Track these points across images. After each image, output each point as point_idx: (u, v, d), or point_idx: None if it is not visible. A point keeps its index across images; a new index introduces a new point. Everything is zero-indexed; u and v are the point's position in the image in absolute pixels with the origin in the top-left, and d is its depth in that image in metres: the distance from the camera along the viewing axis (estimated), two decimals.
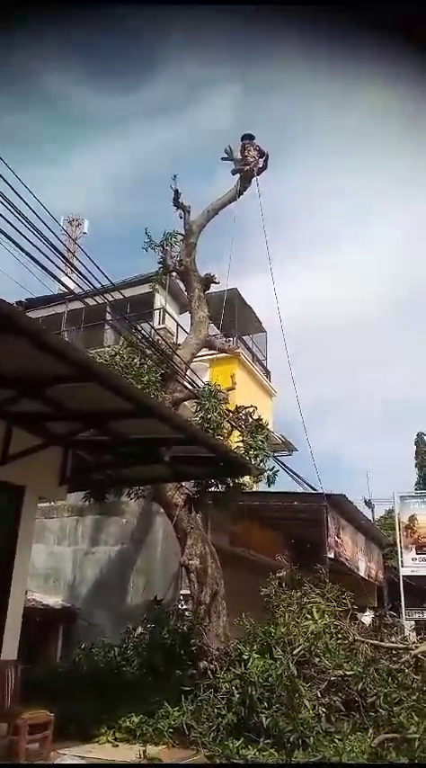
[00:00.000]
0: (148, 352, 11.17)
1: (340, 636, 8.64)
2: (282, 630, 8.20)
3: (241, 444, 9.85)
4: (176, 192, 13.04)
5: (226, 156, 14.06)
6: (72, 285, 12.49)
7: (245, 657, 7.78)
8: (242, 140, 14.06)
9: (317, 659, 7.81)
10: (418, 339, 72.47)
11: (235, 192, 13.78)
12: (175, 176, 13.08)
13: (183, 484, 10.15)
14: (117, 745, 7.19)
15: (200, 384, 11.62)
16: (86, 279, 9.34)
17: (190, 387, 11.16)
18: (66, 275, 10.09)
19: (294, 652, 7.64)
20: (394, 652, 8.85)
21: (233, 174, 14.01)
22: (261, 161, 13.98)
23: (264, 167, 14.09)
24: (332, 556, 12.36)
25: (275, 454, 14.04)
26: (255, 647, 8.06)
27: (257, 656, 7.76)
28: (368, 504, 28.03)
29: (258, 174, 14.01)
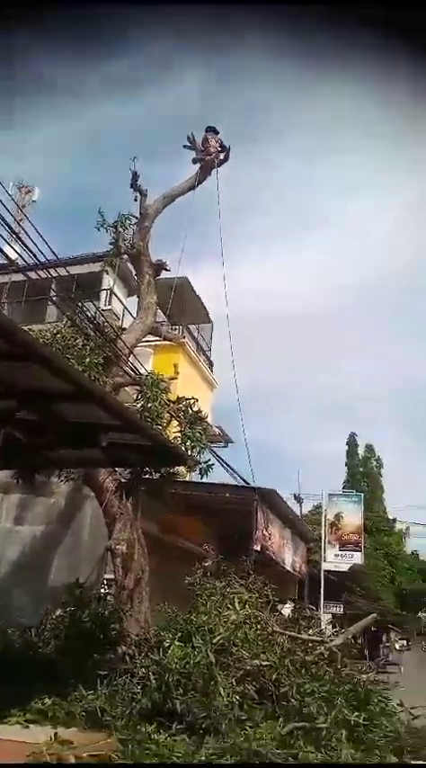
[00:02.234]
0: (92, 333, 11.01)
1: (259, 626, 8.89)
2: (203, 619, 8.35)
3: (179, 435, 9.90)
4: (134, 174, 12.84)
5: (188, 144, 13.97)
6: (14, 256, 12.11)
7: (166, 645, 7.86)
8: (206, 131, 14.01)
9: (235, 648, 8.00)
10: (365, 335, 74.48)
11: (194, 181, 13.73)
12: (135, 158, 12.90)
13: (117, 469, 10.10)
14: (27, 727, 7.11)
15: (143, 370, 11.57)
16: (31, 251, 9.08)
17: (132, 372, 11.09)
18: (9, 245, 9.76)
19: (213, 641, 7.80)
20: (310, 644, 9.20)
21: (193, 163, 13.94)
22: (222, 154, 13.98)
23: (225, 159, 14.10)
24: (258, 548, 12.66)
25: (212, 445, 14.19)
26: (176, 635, 8.16)
27: (178, 643, 7.85)
28: (298, 499, 28.83)
29: (219, 166, 14.01)
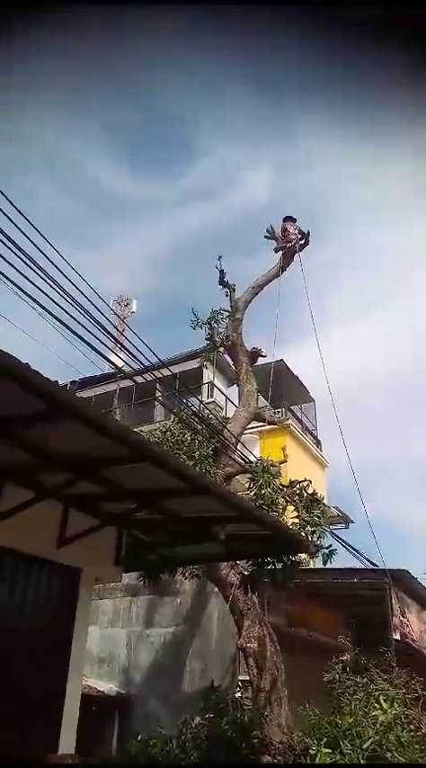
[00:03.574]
0: (199, 426, 11.27)
1: (412, 727, 8.04)
2: (349, 721, 7.69)
3: (296, 520, 9.64)
4: (221, 272, 13.53)
5: (268, 235, 14.58)
6: (121, 364, 12.88)
7: (312, 752, 7.28)
8: (283, 221, 14.58)
9: (389, 753, 7.26)
10: None
11: (278, 269, 14.17)
12: (220, 257, 13.63)
13: (238, 562, 9.93)
14: None
15: (252, 457, 11.57)
16: (135, 357, 9.65)
17: (241, 461, 11.11)
18: (116, 354, 10.43)
19: (363, 746, 7.13)
20: None
21: (275, 252, 14.45)
22: (302, 240, 14.40)
23: (306, 243, 14.50)
24: (398, 637, 11.65)
25: (332, 527, 13.63)
26: (322, 740, 7.56)
27: (325, 750, 7.25)
28: None
29: (300, 251, 14.41)
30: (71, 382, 17.44)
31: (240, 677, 11.00)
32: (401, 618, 12.31)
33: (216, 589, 11.15)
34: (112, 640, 13.61)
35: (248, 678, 9.85)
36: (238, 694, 10.36)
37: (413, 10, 2.60)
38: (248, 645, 9.31)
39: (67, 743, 6.49)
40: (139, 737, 10.34)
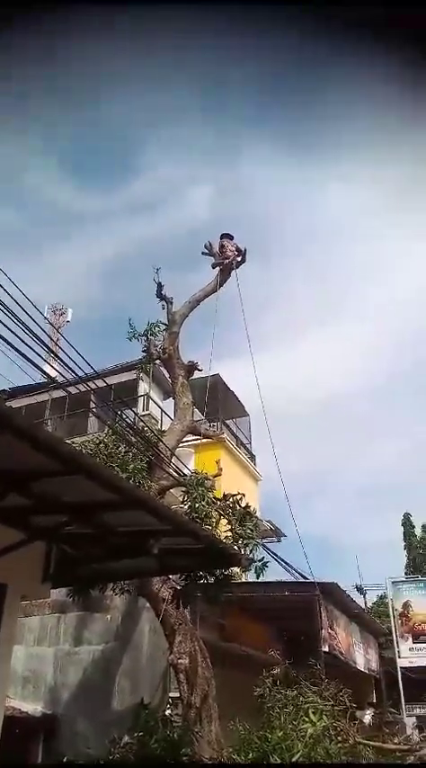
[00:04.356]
0: (133, 439, 11.14)
1: (340, 738, 8.17)
2: (279, 735, 7.74)
3: (230, 533, 9.66)
4: (159, 284, 13.55)
5: (206, 251, 14.73)
6: (54, 374, 12.57)
7: None
8: (221, 238, 14.79)
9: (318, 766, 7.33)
10: (399, 416, 73.41)
11: (215, 284, 14.33)
12: (158, 270, 13.64)
13: (170, 577, 9.83)
14: None
15: (186, 471, 11.53)
16: (69, 367, 9.45)
17: (175, 474, 11.06)
18: (49, 364, 10.18)
19: (293, 759, 7.18)
20: (397, 753, 8.38)
21: (213, 268, 14.61)
22: (240, 257, 14.66)
23: (243, 261, 14.76)
24: (326, 649, 11.87)
25: (264, 541, 13.75)
26: (251, 755, 7.55)
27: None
28: (360, 590, 27.16)
29: (236, 268, 14.64)
30: (0, 391, 16.85)
31: (171, 694, 10.87)
32: (329, 630, 12.55)
33: (147, 605, 10.99)
34: (39, 659, 13.13)
35: (179, 695, 9.74)
36: (168, 711, 10.22)
37: (413, 10, 2.64)
38: (179, 661, 9.21)
39: None
40: (65, 759, 10.03)
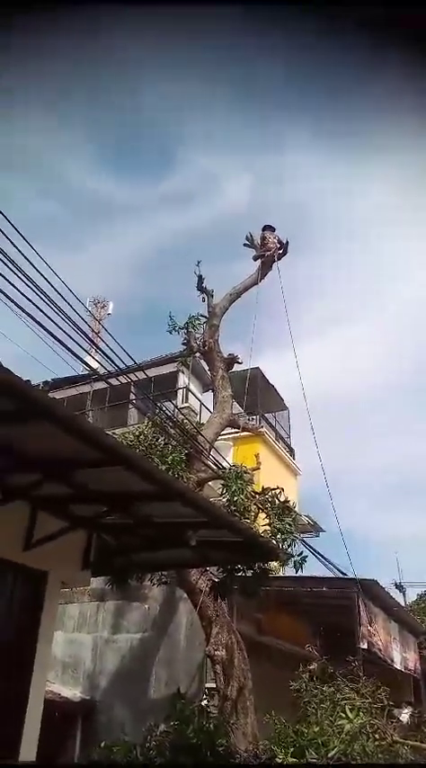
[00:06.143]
0: (172, 431, 11.20)
1: (377, 736, 8.07)
2: (315, 730, 7.69)
3: (268, 528, 9.63)
4: (200, 277, 13.53)
5: (247, 243, 14.62)
6: (96, 365, 12.74)
7: (278, 761, 7.25)
8: (263, 230, 14.64)
9: (354, 762, 7.27)
10: None
11: (256, 277, 14.22)
12: (199, 262, 13.63)
13: (208, 569, 9.87)
14: None
15: (225, 463, 11.54)
16: (110, 359, 9.54)
17: (214, 467, 11.07)
18: (91, 356, 10.30)
19: (329, 755, 7.13)
20: None
21: (254, 260, 14.49)
22: (281, 249, 14.47)
23: (284, 253, 14.57)
24: (365, 646, 11.70)
25: (303, 536, 13.67)
26: (288, 750, 7.53)
27: (291, 759, 7.23)
28: (399, 587, 26.70)
29: (278, 260, 14.47)
30: (43, 383, 17.20)
31: (207, 685, 10.94)
32: (368, 627, 12.38)
33: (184, 595, 11.07)
34: (78, 645, 13.40)
35: (215, 686, 9.79)
36: (204, 702, 10.29)
37: (413, 10, 2.61)
38: (216, 652, 9.25)
39: (28, 749, 6.35)
40: (103, 744, 10.21)
